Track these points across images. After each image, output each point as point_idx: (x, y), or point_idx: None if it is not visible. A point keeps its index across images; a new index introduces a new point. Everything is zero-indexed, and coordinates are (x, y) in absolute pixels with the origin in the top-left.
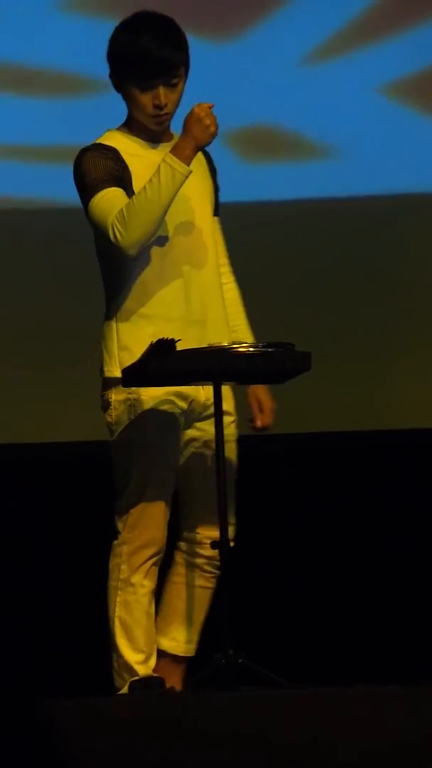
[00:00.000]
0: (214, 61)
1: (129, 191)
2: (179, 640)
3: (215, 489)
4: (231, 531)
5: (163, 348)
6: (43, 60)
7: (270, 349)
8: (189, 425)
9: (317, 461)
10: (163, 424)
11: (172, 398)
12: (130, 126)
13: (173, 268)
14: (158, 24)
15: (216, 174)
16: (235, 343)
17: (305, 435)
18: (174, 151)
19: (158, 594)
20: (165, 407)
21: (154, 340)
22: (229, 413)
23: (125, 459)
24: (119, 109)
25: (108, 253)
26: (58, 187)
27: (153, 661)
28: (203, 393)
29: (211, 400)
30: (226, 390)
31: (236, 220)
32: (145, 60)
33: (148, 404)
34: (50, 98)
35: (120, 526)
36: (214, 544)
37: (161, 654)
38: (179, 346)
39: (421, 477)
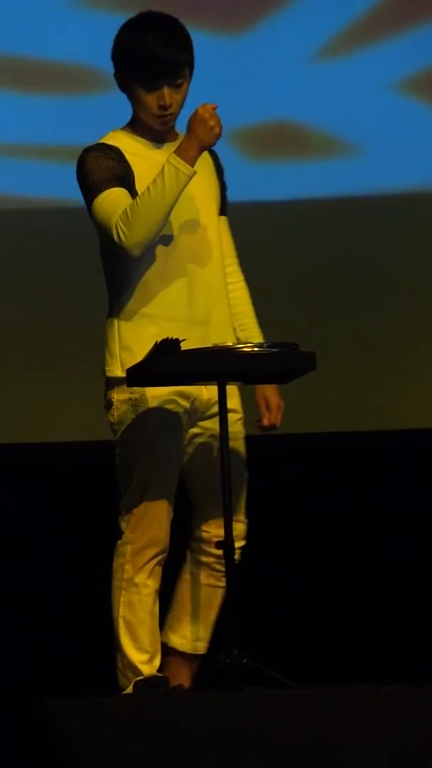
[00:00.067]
0: (220, 58)
1: (132, 191)
2: (188, 638)
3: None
4: (242, 529)
5: (167, 348)
6: (43, 57)
7: (275, 349)
8: (193, 424)
9: (317, 461)
10: (165, 424)
11: (175, 397)
12: (135, 126)
13: (177, 267)
14: (163, 24)
15: (223, 173)
16: (239, 343)
17: (305, 435)
18: (178, 152)
19: (170, 592)
20: (167, 406)
21: (158, 340)
22: (235, 411)
23: (127, 458)
24: (122, 108)
25: (111, 253)
26: (58, 187)
27: (157, 661)
28: (206, 392)
29: (215, 398)
30: (232, 387)
31: (234, 220)
32: (150, 60)
33: (150, 403)
34: (50, 97)
35: (123, 525)
36: (218, 544)
37: (171, 651)
38: (182, 346)
39: (421, 477)
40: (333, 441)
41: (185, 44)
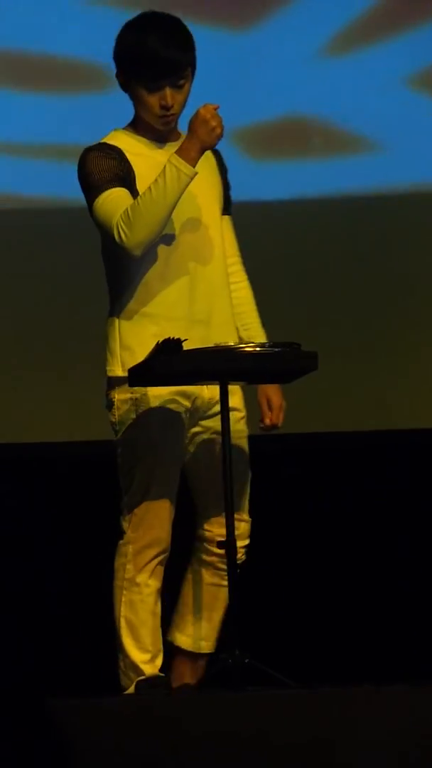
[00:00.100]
0: (222, 56)
1: (133, 191)
2: (192, 637)
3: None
4: (246, 528)
5: (169, 348)
6: (44, 56)
7: (277, 349)
8: (194, 423)
9: (318, 461)
10: (166, 423)
11: (176, 397)
12: (136, 125)
13: (178, 266)
14: (165, 24)
15: (226, 172)
16: (241, 343)
17: (306, 435)
18: (179, 152)
19: (175, 591)
20: (168, 406)
21: (160, 339)
22: (237, 409)
23: (129, 458)
24: (124, 107)
25: (113, 253)
26: (58, 186)
27: (159, 661)
28: (207, 391)
29: (216, 397)
30: (234, 385)
31: (236, 219)
32: (152, 61)
33: (151, 403)
34: (50, 96)
35: (125, 525)
36: (220, 544)
37: (177, 650)
38: (183, 346)
39: (421, 477)
40: (333, 441)
41: (187, 44)
